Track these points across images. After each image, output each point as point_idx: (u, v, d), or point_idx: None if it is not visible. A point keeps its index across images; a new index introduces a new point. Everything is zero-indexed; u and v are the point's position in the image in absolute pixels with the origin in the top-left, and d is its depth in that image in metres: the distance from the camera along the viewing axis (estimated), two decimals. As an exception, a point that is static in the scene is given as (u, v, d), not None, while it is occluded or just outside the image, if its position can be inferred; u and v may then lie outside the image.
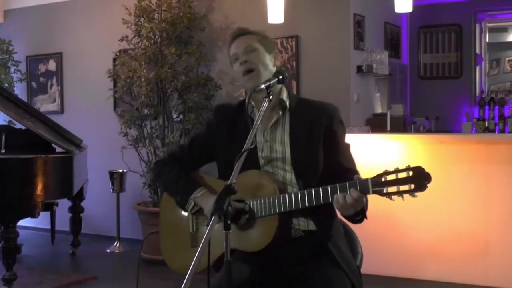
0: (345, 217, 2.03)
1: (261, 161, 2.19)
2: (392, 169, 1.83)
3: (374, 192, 1.85)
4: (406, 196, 1.80)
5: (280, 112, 2.21)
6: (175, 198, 2.31)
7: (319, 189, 1.96)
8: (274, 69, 2.22)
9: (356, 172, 2.08)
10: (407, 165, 1.81)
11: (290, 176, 2.15)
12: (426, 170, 1.78)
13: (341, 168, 2.13)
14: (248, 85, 2.19)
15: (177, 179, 2.32)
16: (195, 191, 2.24)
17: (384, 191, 1.82)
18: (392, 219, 4.37)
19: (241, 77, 2.22)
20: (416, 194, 1.78)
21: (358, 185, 1.88)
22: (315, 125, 2.17)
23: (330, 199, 1.94)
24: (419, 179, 1.77)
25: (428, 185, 1.76)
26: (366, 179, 1.87)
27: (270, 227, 2.05)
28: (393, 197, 1.81)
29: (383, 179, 1.83)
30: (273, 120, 2.21)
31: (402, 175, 1.80)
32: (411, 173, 1.79)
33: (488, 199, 4.32)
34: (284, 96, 2.23)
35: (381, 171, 1.85)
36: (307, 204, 1.98)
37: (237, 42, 2.25)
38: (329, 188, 1.94)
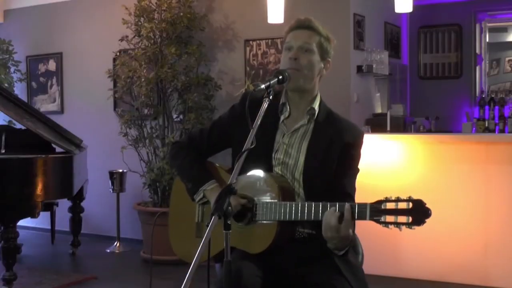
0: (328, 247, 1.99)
1: (274, 162, 2.17)
2: (393, 197, 1.80)
3: (371, 219, 1.83)
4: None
5: (306, 120, 2.18)
6: (186, 185, 2.28)
7: (319, 205, 1.94)
8: (318, 76, 2.19)
9: (353, 200, 2.09)
10: (408, 196, 1.79)
11: (298, 185, 2.13)
12: (427, 205, 1.76)
13: (341, 190, 2.10)
14: None
15: (191, 166, 2.29)
16: (206, 183, 2.21)
17: (382, 219, 1.80)
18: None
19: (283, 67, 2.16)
20: (413, 227, 1.76)
21: (356, 208, 1.86)
22: (336, 141, 2.14)
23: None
24: (418, 213, 1.75)
25: (427, 220, 1.74)
26: (365, 204, 1.84)
27: (269, 232, 2.04)
28: (390, 226, 1.79)
29: (382, 207, 1.80)
30: (297, 125, 2.19)
31: (402, 205, 1.77)
32: (411, 205, 1.76)
33: (488, 199, 4.32)
34: (316, 105, 2.20)
35: (381, 197, 1.82)
36: (305, 217, 1.96)
37: (297, 33, 2.17)
38: (328, 206, 1.91)
